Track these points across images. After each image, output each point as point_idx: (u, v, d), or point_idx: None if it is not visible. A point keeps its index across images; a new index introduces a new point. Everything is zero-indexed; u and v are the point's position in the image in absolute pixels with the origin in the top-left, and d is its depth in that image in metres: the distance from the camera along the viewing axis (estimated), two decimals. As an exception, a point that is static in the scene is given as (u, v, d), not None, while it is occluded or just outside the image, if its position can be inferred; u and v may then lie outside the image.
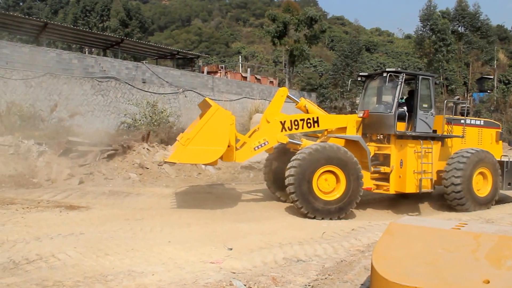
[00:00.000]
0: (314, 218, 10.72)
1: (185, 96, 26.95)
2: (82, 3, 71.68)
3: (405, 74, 12.38)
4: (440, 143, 12.77)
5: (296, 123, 11.91)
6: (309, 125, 12.05)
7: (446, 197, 12.70)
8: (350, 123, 12.50)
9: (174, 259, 7.28)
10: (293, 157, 10.95)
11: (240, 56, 63.41)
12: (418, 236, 4.80)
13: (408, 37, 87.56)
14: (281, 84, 45.06)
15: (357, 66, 46.43)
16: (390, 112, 12.17)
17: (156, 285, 6.06)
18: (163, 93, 25.60)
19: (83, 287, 5.90)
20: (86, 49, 36.84)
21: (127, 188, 13.92)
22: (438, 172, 12.81)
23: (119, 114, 22.63)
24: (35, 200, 11.30)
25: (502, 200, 14.38)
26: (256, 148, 11.47)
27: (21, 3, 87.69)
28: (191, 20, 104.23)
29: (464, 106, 15.73)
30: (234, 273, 6.66)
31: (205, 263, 7.14)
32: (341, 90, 45.21)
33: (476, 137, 13.83)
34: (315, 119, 12.14)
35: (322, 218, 10.78)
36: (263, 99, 32.13)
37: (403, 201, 13.78)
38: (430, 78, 12.79)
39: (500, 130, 14.49)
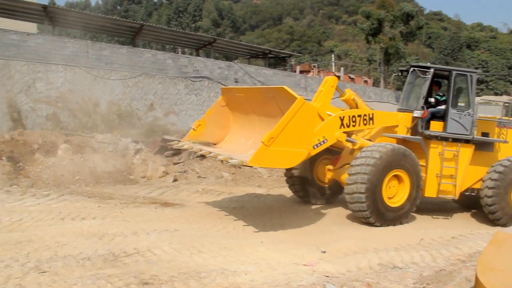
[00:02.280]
0: (380, 226, 10.14)
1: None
2: (175, 4, 74.15)
3: (436, 70, 11.67)
4: (473, 146, 11.71)
5: (354, 119, 10.78)
6: (365, 122, 11.02)
7: (483, 208, 11.77)
8: (402, 122, 11.64)
9: (267, 260, 7.37)
10: (358, 162, 10.11)
11: (333, 55, 62.84)
12: None
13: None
14: (375, 83, 44.20)
15: (457, 64, 44.52)
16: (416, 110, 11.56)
17: (249, 285, 6.15)
18: (255, 93, 25.86)
19: (177, 282, 6.10)
20: (179, 49, 37.98)
21: (220, 187, 14.23)
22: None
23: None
24: (132, 196, 11.84)
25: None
26: (315, 147, 10.06)
27: (118, 7, 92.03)
28: (283, 18, 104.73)
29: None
30: (327, 276, 6.63)
31: (298, 265, 7.17)
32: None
33: None
34: (371, 116, 11.13)
35: (385, 225, 10.25)
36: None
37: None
38: (469, 74, 11.80)
39: None
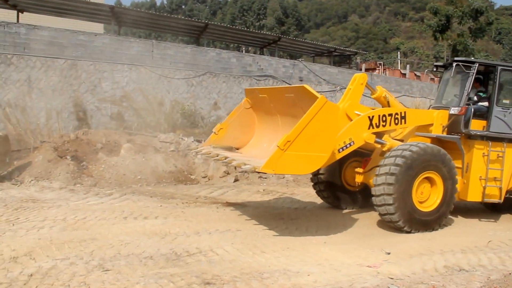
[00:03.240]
0: (410, 232, 9.32)
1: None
2: (239, 3, 74.89)
3: (480, 65, 10.94)
4: None
5: (384, 119, 10.03)
6: (396, 121, 10.29)
7: None
8: (437, 120, 10.89)
9: (330, 261, 7.30)
10: (386, 161, 9.35)
11: (398, 52, 61.86)
12: None
13: None
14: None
15: None
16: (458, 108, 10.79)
17: (312, 286, 6.11)
18: (320, 91, 25.66)
19: (240, 283, 6.10)
20: (243, 48, 38.30)
21: (281, 187, 14.20)
22: None
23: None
24: (193, 196, 12.00)
25: None
26: (341, 150, 9.35)
27: (183, 6, 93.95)
28: (348, 16, 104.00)
29: None
30: (392, 278, 6.55)
31: (362, 267, 7.09)
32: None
33: None
34: (403, 115, 10.39)
35: (415, 230, 9.42)
36: (423, 97, 30.87)
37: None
38: None
39: None
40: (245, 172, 12.38)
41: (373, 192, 9.33)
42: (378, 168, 9.49)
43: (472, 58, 10.94)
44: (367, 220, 10.36)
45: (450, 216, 10.58)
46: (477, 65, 10.79)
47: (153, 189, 12.75)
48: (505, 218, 11.44)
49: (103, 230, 8.50)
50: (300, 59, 32.59)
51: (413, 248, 8.26)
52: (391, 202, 9.01)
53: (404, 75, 39.92)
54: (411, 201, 9.27)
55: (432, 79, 41.50)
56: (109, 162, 13.68)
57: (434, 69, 12.76)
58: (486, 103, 11.07)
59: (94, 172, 13.22)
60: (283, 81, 23.98)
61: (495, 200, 10.84)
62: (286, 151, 7.87)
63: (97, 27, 29.64)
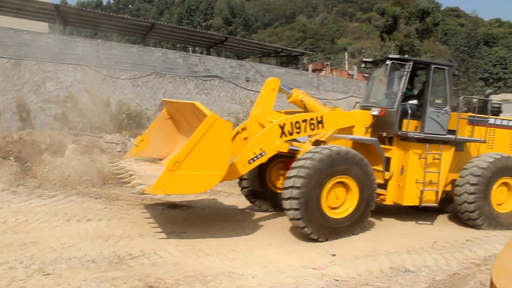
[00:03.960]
0: (317, 240, 8.70)
1: (289, 95, 27.08)
2: (186, 2, 74.45)
3: (414, 63, 10.51)
4: (453, 148, 10.65)
5: (297, 125, 9.47)
6: (312, 126, 9.71)
7: (457, 209, 10.75)
8: (358, 122, 10.34)
9: (275, 263, 7.31)
10: (297, 164, 8.76)
11: (346, 53, 62.70)
12: None
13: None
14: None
15: (474, 61, 43.98)
16: (392, 108, 10.20)
17: (256, 288, 6.07)
18: (266, 92, 25.84)
19: (183, 286, 6.08)
20: (190, 48, 38.05)
21: (229, 188, 14.14)
22: (454, 182, 10.83)
23: (222, 113, 23.09)
24: (139, 197, 11.79)
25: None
26: (251, 161, 9.04)
27: (130, 6, 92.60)
28: (296, 16, 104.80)
29: (495, 103, 12.31)
30: (337, 280, 6.59)
31: (307, 269, 7.11)
32: (456, 88, 43.14)
33: (509, 141, 11.65)
34: (319, 119, 9.79)
35: (327, 239, 8.77)
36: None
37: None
38: (446, 68, 10.76)
39: None
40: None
41: (282, 196, 8.83)
42: (288, 171, 8.98)
43: (406, 56, 10.70)
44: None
45: (393, 218, 10.85)
46: (412, 63, 10.39)
47: (98, 191, 12.49)
48: (442, 218, 11.58)
49: (44, 233, 8.27)
50: (247, 60, 32.63)
51: (358, 249, 8.30)
52: (297, 206, 8.43)
53: (351, 76, 40.46)
54: (320, 206, 8.67)
55: (380, 80, 42.09)
56: (53, 163, 13.31)
57: (363, 65, 12.17)
58: (415, 101, 10.80)
59: (38, 173, 12.83)
60: (230, 81, 23.95)
61: (432, 204, 10.53)
62: (176, 172, 7.70)
63: (42, 26, 28.86)
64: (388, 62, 10.30)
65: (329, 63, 44.26)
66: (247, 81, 25.11)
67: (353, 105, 12.40)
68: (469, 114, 11.24)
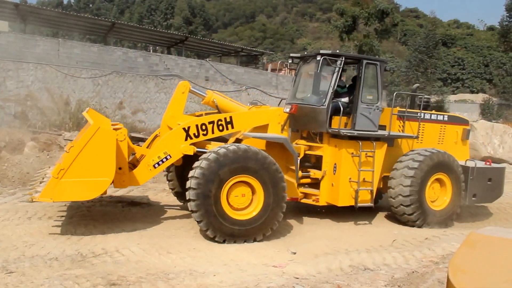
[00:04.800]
0: (223, 242, 8.25)
1: (248, 94, 27.05)
2: (147, 2, 73.64)
3: (345, 58, 10.01)
4: (386, 145, 10.27)
5: (203, 127, 9.13)
6: (221, 127, 9.31)
7: (393, 210, 10.36)
8: (273, 119, 9.74)
9: (236, 261, 7.33)
10: (195, 164, 8.35)
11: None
12: (503, 249, 4.32)
13: (491, 28, 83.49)
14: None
15: (432, 62, 44.21)
16: (323, 105, 9.72)
17: (218, 286, 6.14)
18: (226, 91, 25.82)
19: (145, 283, 6.08)
20: (151, 48, 37.72)
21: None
22: (386, 179, 10.56)
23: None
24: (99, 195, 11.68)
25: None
26: (156, 166, 8.86)
27: (90, 5, 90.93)
28: (256, 16, 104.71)
29: (424, 97, 11.89)
30: (297, 278, 6.61)
31: (268, 267, 7.13)
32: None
33: (437, 135, 11.40)
34: (228, 119, 9.35)
35: (234, 242, 8.31)
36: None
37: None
38: (378, 63, 10.32)
39: (468, 128, 11.95)
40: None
41: (187, 198, 8.40)
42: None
43: (337, 51, 10.31)
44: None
45: (351, 217, 10.57)
46: (343, 58, 9.87)
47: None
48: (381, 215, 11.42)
49: (6, 231, 8.14)
50: (207, 59, 32.56)
51: (318, 247, 8.32)
52: (195, 208, 8.09)
53: (311, 75, 40.51)
54: (220, 207, 8.22)
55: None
56: (12, 160, 13.03)
57: (290, 61, 11.30)
58: (346, 99, 10.36)
59: (-3, 171, 12.57)
60: (189, 80, 23.84)
61: (368, 204, 10.07)
62: (62, 179, 7.68)
63: (2, 25, 28.17)
64: (319, 57, 9.69)
65: (288, 63, 44.27)
66: (207, 80, 25.08)
67: (279, 102, 12.04)
68: (399, 109, 11.05)
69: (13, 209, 9.69)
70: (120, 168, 8.66)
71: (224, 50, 36.22)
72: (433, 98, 44.25)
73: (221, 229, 8.22)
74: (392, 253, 8.19)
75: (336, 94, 10.11)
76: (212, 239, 8.28)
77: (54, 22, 27.09)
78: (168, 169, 10.48)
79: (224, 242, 8.25)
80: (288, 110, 9.71)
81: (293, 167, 9.65)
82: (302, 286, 6.23)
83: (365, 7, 40.05)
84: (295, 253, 7.91)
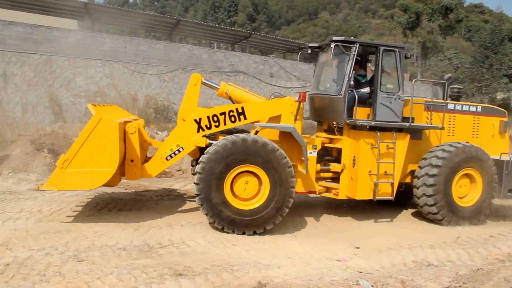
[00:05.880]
0: (222, 229, 8.26)
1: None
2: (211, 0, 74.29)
3: (360, 45, 9.55)
4: (408, 136, 9.79)
5: (215, 119, 9.02)
6: (233, 119, 9.12)
7: (417, 202, 9.98)
8: (285, 109, 9.35)
9: (300, 254, 7.33)
10: (205, 152, 8.39)
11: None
12: None
13: (560, 23, 79.92)
14: (412, 78, 43.53)
15: (498, 58, 42.68)
16: (339, 95, 9.37)
17: (282, 279, 6.11)
18: (290, 87, 25.81)
19: (211, 274, 6.13)
20: (215, 44, 38.14)
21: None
22: (413, 173, 10.12)
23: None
24: (167, 189, 11.94)
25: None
26: (169, 158, 8.98)
27: (156, 3, 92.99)
28: (318, 13, 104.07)
29: (455, 87, 11.42)
30: (361, 272, 6.55)
31: (331, 261, 7.10)
32: (479, 85, 42.29)
33: (470, 128, 10.76)
34: (240, 110, 9.16)
35: (233, 231, 8.27)
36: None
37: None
38: (397, 50, 9.79)
39: (505, 119, 11.16)
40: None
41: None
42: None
43: (352, 38, 9.80)
44: (335, 214, 10.34)
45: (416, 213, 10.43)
46: (357, 45, 9.44)
47: (127, 182, 12.63)
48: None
49: (77, 221, 8.44)
50: (270, 56, 32.63)
51: (381, 243, 8.26)
52: (197, 192, 8.20)
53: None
54: (222, 195, 8.23)
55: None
56: (84, 155, 13.54)
57: (309, 51, 10.90)
58: (367, 89, 9.94)
59: (69, 165, 13.07)
60: (254, 77, 24.02)
61: (387, 197, 9.66)
62: (66, 169, 7.85)
63: (71, 24, 29.25)
64: (332, 45, 9.33)
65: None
66: (271, 76, 25.13)
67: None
68: (425, 99, 10.62)
69: (84, 201, 10.07)
70: (132, 161, 8.92)
71: (287, 47, 36.14)
72: (499, 95, 42.59)
73: (221, 216, 8.23)
74: (456, 249, 8.05)
75: (358, 84, 9.91)
76: (212, 224, 8.36)
77: (120, 20, 27.89)
78: (194, 163, 10.45)
79: (223, 229, 8.25)
80: (297, 98, 9.31)
81: (311, 161, 9.43)
82: (366, 280, 6.13)
83: (429, 3, 39.21)
84: (358, 248, 7.87)
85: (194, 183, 8.27)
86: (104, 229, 7.98)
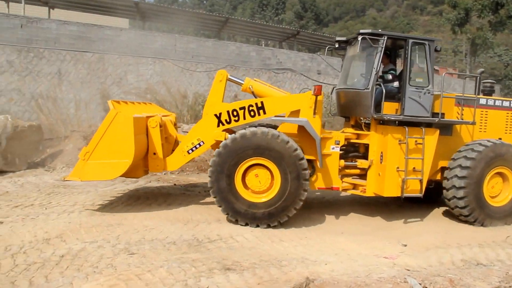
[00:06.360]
0: (236, 222, 8.46)
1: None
2: (259, -3, 74.43)
3: (388, 38, 9.32)
4: (438, 132, 9.42)
5: (235, 113, 9.16)
6: (252, 113, 9.16)
7: (447, 203, 9.60)
8: (304, 104, 9.16)
9: (347, 251, 7.30)
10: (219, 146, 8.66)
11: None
12: None
13: None
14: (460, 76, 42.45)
15: None
16: (366, 89, 9.15)
17: (329, 275, 6.08)
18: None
19: (259, 269, 6.15)
20: (263, 42, 38.20)
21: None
22: (443, 170, 9.75)
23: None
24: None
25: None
26: (190, 151, 9.22)
27: (204, 1, 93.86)
28: (366, 10, 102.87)
29: (487, 82, 10.98)
30: (408, 270, 6.47)
31: (378, 258, 7.05)
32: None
33: (503, 124, 10.34)
34: (260, 105, 9.15)
35: (246, 224, 8.41)
36: (440, 91, 30.65)
37: None
38: (426, 42, 9.45)
39: None
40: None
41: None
42: None
43: (380, 30, 9.58)
44: (382, 212, 10.22)
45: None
46: (385, 38, 9.23)
47: (176, 177, 12.85)
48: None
49: (128, 215, 8.64)
50: (318, 53, 32.45)
51: (429, 241, 8.13)
52: (210, 185, 8.51)
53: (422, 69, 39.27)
54: (233, 187, 8.46)
55: (450, 74, 40.51)
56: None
57: (336, 45, 10.64)
58: (396, 83, 9.69)
59: (120, 161, 13.37)
60: (302, 74, 23.91)
61: (416, 194, 9.32)
62: (88, 161, 8.45)
63: (123, 22, 29.89)
64: (359, 38, 9.17)
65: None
66: (319, 73, 24.98)
67: (330, 90, 11.46)
68: (456, 94, 10.18)
69: (135, 196, 10.29)
70: (154, 153, 9.30)
71: (335, 44, 35.78)
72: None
73: (233, 209, 8.45)
74: (506, 249, 7.84)
75: (386, 78, 9.68)
76: (227, 217, 8.58)
77: (170, 19, 28.29)
78: None
79: (236, 221, 8.45)
80: (313, 92, 9.12)
81: (333, 156, 9.34)
82: (414, 278, 6.02)
83: (479, -1, 37.89)
84: (405, 246, 7.79)
85: (208, 176, 8.53)
86: (154, 223, 8.14)
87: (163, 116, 10.20)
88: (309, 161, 8.84)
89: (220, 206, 8.49)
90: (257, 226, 8.39)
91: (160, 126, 9.47)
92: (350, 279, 5.91)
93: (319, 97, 9.07)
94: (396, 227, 9.19)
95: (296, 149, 8.44)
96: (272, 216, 8.45)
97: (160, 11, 26.88)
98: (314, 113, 9.08)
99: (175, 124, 10.92)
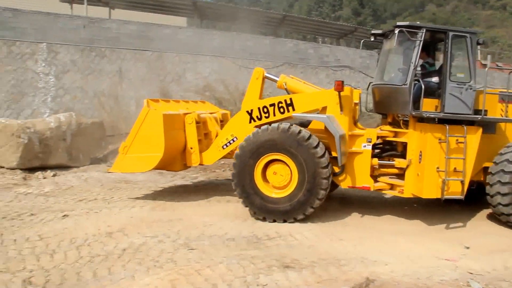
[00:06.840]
0: (255, 214, 8.59)
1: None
2: (316, -6, 74.01)
3: (427, 30, 8.77)
4: (480, 129, 8.80)
5: (265, 110, 9.25)
6: (282, 110, 9.17)
7: (489, 201, 8.94)
8: (331, 100, 8.99)
9: (407, 252, 7.13)
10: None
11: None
12: None
13: None
14: None
15: None
16: (404, 84, 8.68)
17: (389, 276, 5.97)
18: (396, 82, 25.15)
19: (318, 268, 6.09)
20: (320, 39, 37.94)
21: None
22: (486, 170, 9.09)
23: (355, 103, 22.89)
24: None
25: None
26: (225, 147, 9.57)
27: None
28: (425, 5, 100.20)
29: None
30: (471, 273, 6.25)
31: (439, 260, 6.84)
32: None
33: None
34: (289, 102, 9.15)
35: (264, 218, 8.45)
36: (504, 88, 29.52)
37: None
38: (468, 35, 8.87)
39: None
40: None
41: None
42: None
43: (418, 22, 9.09)
44: (442, 213, 9.82)
45: None
46: (424, 30, 8.72)
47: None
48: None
49: (188, 211, 8.77)
50: (377, 50, 31.93)
51: (493, 244, 7.81)
52: (232, 178, 8.76)
53: (484, 65, 38.02)
54: (253, 182, 8.61)
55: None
56: (194, 148, 14.00)
57: (372, 39, 10.22)
58: (435, 78, 9.18)
59: (179, 157, 13.57)
60: (360, 71, 23.59)
61: (457, 196, 8.75)
62: (126, 154, 9.34)
63: (181, 21, 30.34)
64: (396, 30, 8.70)
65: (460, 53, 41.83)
66: (378, 70, 24.54)
67: (368, 86, 10.82)
68: (500, 90, 9.60)
69: (194, 192, 10.43)
70: (191, 148, 9.79)
71: (394, 40, 35.17)
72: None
73: (252, 202, 8.58)
74: None
75: (425, 73, 9.23)
76: (250, 211, 8.75)
77: (228, 17, 28.50)
78: None
79: (255, 214, 8.60)
80: (333, 87, 8.85)
81: (364, 154, 9.09)
82: (477, 282, 5.83)
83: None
84: (468, 248, 7.52)
85: (234, 159, 8.78)
86: (214, 220, 8.21)
87: (210, 113, 10.87)
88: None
89: (240, 198, 8.72)
90: (274, 221, 8.42)
91: (198, 123, 9.90)
92: (411, 281, 5.80)
93: (343, 93, 8.87)
94: (456, 228, 8.87)
95: (315, 146, 8.36)
96: (289, 212, 8.45)
97: (218, 10, 27.15)
98: (341, 109, 8.95)
99: (221, 121, 11.12)
